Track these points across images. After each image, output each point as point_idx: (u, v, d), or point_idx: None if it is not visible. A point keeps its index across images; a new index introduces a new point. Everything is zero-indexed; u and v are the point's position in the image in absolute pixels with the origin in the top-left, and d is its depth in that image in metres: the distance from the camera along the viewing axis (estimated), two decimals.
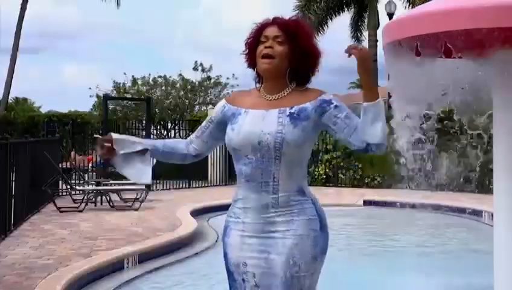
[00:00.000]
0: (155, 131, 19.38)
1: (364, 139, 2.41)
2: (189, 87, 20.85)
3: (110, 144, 2.58)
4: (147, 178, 2.62)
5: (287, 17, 2.57)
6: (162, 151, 2.67)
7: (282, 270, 2.42)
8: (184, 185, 15.43)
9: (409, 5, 22.75)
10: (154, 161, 2.67)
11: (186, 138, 2.83)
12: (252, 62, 2.57)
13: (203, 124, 2.70)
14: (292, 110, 2.45)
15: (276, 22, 2.52)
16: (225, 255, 2.59)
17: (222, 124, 2.59)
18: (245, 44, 2.58)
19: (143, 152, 2.60)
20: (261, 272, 2.45)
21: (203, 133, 2.68)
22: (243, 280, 2.50)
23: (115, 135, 2.57)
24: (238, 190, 2.55)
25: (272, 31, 2.50)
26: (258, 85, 2.59)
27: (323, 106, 2.46)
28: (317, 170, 15.90)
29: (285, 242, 2.43)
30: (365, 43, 24.41)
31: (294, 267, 2.42)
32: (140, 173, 2.60)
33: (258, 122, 2.45)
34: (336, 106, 2.46)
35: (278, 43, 2.47)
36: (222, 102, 2.65)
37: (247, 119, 2.48)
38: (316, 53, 2.54)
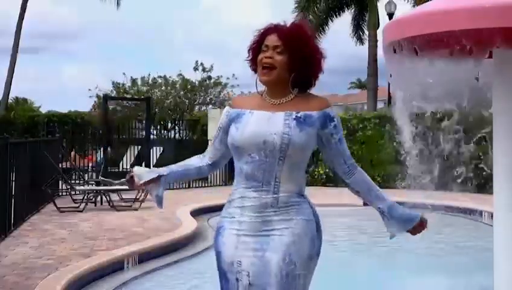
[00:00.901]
0: (155, 131, 19.37)
1: (352, 186, 2.60)
2: (189, 87, 20.84)
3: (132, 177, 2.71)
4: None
5: (288, 22, 2.59)
6: (177, 171, 2.74)
7: (277, 267, 2.41)
8: (184, 185, 15.43)
9: (414, 4, 22.63)
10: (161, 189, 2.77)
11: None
12: (256, 67, 2.61)
13: (215, 132, 2.75)
14: (298, 115, 2.49)
15: (277, 30, 2.55)
16: (218, 254, 2.58)
17: (228, 129, 2.62)
18: (248, 50, 2.62)
19: (158, 180, 2.73)
20: (255, 271, 2.44)
21: (215, 141, 2.72)
22: (236, 280, 2.49)
23: (135, 170, 2.77)
24: (235, 190, 2.56)
25: (271, 41, 2.53)
26: (260, 89, 2.62)
27: (326, 120, 2.52)
28: (317, 170, 15.89)
29: (282, 239, 2.44)
30: (366, 43, 24.43)
31: (290, 265, 2.42)
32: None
33: (263, 122, 2.49)
34: (335, 126, 2.54)
35: (277, 53, 2.51)
36: (226, 108, 2.70)
37: (252, 119, 2.52)
38: (318, 58, 2.57)
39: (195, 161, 2.75)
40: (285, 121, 2.47)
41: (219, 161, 2.74)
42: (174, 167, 2.76)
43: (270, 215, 2.47)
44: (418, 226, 2.63)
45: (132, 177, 2.72)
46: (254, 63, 2.61)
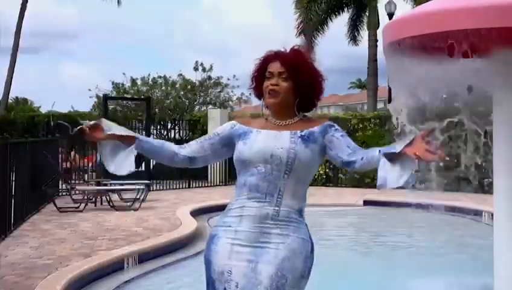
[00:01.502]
0: (155, 131, 19.35)
1: (356, 159, 2.50)
2: (189, 87, 20.83)
3: (99, 125, 2.63)
4: (124, 169, 2.65)
5: (288, 48, 2.64)
6: (151, 145, 2.70)
7: (269, 280, 2.42)
8: (184, 185, 15.42)
9: (414, 4, 22.56)
10: (133, 154, 2.66)
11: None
12: (259, 94, 2.68)
13: (208, 135, 2.76)
14: (303, 133, 2.56)
15: (278, 57, 2.61)
16: (208, 263, 2.57)
17: (227, 140, 2.67)
18: (251, 78, 2.69)
19: (130, 141, 2.63)
20: (245, 282, 2.44)
21: (205, 141, 2.73)
22: (224, 289, 2.49)
23: (103, 120, 2.64)
24: (236, 201, 2.58)
25: (275, 68, 2.59)
26: (265, 112, 2.68)
27: (327, 129, 2.59)
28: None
29: (278, 253, 2.46)
30: (363, 43, 24.43)
31: (282, 279, 2.43)
32: (120, 163, 2.65)
33: (270, 140, 2.55)
34: (335, 129, 2.60)
35: (282, 79, 2.58)
36: (231, 121, 2.74)
37: (260, 137, 2.58)
38: (320, 81, 2.64)
39: (173, 147, 2.73)
40: (291, 138, 2.54)
41: (197, 160, 2.72)
42: (150, 139, 2.75)
43: (269, 228, 2.49)
44: (419, 141, 2.28)
45: (96, 125, 2.61)
46: (257, 90, 2.68)
